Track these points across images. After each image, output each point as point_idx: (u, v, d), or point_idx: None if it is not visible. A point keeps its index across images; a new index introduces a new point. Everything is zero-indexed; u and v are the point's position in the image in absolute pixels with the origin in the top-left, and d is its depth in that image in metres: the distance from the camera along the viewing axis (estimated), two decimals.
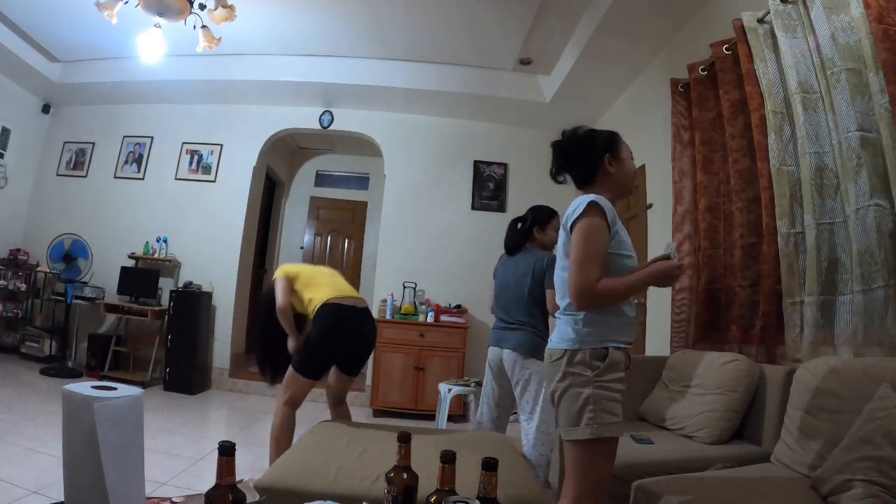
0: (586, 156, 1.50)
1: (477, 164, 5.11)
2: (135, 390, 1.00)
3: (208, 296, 4.80)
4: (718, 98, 2.59)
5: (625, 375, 1.37)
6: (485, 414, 2.60)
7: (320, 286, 2.34)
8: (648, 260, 1.51)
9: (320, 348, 2.24)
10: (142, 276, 4.84)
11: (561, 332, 1.40)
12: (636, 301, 1.50)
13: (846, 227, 1.85)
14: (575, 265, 1.34)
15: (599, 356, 1.32)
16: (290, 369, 2.26)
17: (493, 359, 2.55)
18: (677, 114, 2.95)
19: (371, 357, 4.52)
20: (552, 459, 2.31)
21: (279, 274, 2.39)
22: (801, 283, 2.01)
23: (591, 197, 1.36)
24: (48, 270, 4.78)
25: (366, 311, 2.36)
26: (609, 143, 1.50)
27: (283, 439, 2.22)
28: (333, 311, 2.24)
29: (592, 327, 1.35)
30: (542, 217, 2.61)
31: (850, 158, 1.78)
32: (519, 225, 2.65)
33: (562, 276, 1.42)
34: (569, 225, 1.39)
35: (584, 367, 1.32)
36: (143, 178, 5.16)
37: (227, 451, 0.83)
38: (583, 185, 1.51)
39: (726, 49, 2.51)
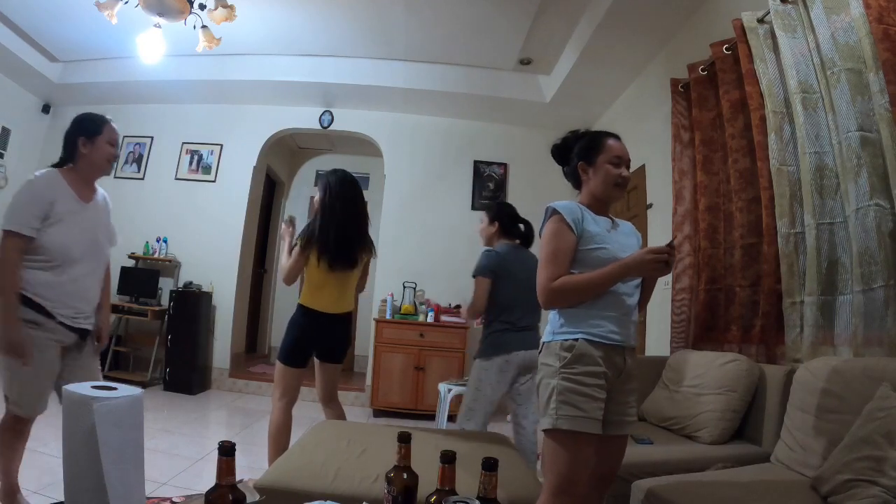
0: (567, 164, 1.58)
1: (477, 164, 5.11)
2: (135, 390, 0.99)
3: (208, 296, 4.80)
4: (718, 98, 2.60)
5: (608, 373, 1.35)
6: (481, 421, 2.41)
7: (317, 289, 2.34)
8: None
9: (293, 338, 2.33)
10: (142, 276, 4.84)
11: (546, 328, 1.47)
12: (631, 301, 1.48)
13: (846, 227, 1.85)
14: (538, 269, 1.42)
15: (566, 347, 1.36)
16: (277, 363, 2.35)
17: (518, 363, 2.37)
18: (677, 114, 2.95)
19: (371, 357, 4.56)
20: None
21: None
22: (801, 283, 2.01)
23: (552, 205, 1.45)
24: None
25: (338, 316, 2.37)
26: (584, 150, 1.52)
27: (281, 438, 2.24)
28: (306, 312, 2.34)
29: (566, 319, 1.40)
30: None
31: (850, 158, 1.78)
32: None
33: None
34: (540, 235, 1.48)
35: (553, 358, 1.37)
36: (143, 178, 5.16)
37: (227, 451, 0.82)
38: (576, 188, 1.59)
39: (726, 49, 2.50)
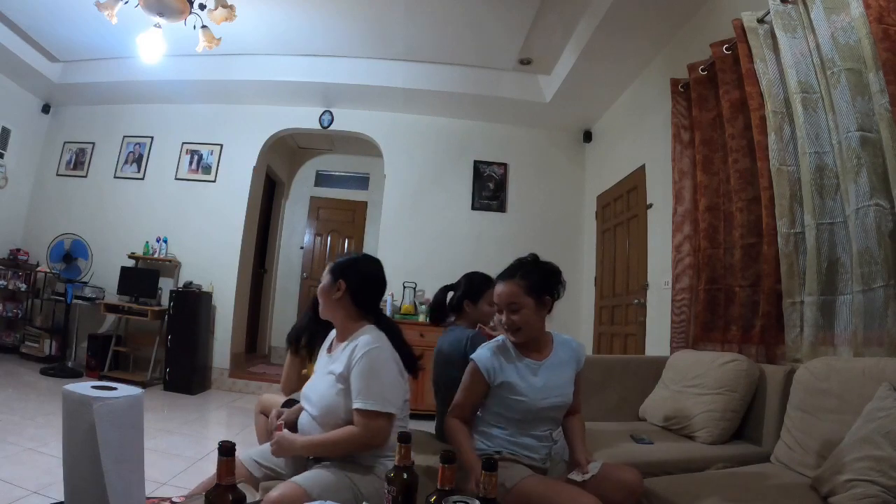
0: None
1: (477, 164, 5.10)
2: (135, 390, 0.99)
3: (208, 296, 4.80)
4: (718, 98, 2.59)
5: None
6: None
7: None
8: None
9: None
10: (142, 276, 4.84)
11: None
12: None
13: (846, 227, 1.85)
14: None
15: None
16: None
17: None
18: (677, 114, 2.95)
19: None
20: None
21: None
22: (801, 283, 2.01)
23: (473, 355, 1.53)
24: (48, 270, 4.77)
25: None
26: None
27: None
28: None
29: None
30: (474, 288, 2.09)
31: (850, 158, 1.78)
32: (450, 294, 2.15)
33: None
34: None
35: None
36: (143, 178, 5.16)
37: (227, 451, 0.83)
38: None
39: (726, 49, 2.50)
